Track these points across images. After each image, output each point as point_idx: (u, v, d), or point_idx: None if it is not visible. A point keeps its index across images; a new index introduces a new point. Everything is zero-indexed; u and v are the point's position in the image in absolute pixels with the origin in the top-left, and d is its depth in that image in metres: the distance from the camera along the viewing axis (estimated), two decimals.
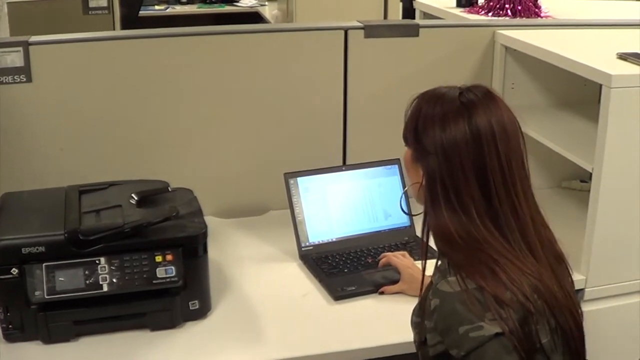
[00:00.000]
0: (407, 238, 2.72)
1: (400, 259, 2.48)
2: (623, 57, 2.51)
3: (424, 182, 1.84)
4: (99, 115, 2.84)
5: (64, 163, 2.84)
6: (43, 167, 2.83)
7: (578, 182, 3.20)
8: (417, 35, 3.00)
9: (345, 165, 2.93)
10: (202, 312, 2.28)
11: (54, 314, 2.15)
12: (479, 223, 1.76)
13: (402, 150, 2.75)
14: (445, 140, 1.78)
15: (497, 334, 1.66)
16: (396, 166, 2.76)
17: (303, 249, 2.63)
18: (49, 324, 2.15)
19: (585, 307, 2.16)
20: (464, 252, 1.76)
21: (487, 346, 1.66)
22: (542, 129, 2.81)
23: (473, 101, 1.81)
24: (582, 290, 2.47)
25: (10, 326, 2.17)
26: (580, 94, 3.10)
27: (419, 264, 2.07)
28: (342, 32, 2.93)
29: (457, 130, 1.77)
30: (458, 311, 1.69)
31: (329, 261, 2.58)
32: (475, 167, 1.77)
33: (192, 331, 2.24)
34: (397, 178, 2.77)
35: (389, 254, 2.53)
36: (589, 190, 2.48)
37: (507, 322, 1.66)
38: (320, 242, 2.65)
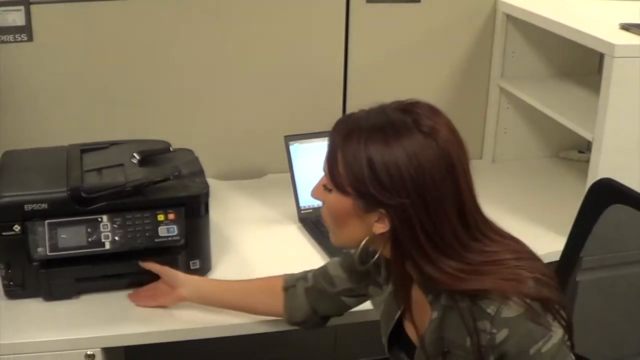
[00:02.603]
0: None
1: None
2: (625, 27, 2.51)
3: (391, 233, 1.61)
4: (99, 75, 2.84)
5: (64, 122, 2.84)
6: (43, 126, 2.84)
7: (576, 153, 3.21)
8: (418, 1, 2.99)
9: None
10: (202, 272, 2.29)
11: (56, 271, 2.16)
12: (469, 245, 1.61)
13: None
14: (417, 179, 1.55)
15: (563, 335, 1.58)
16: None
17: (302, 211, 2.64)
18: (51, 281, 2.16)
19: (582, 277, 2.19)
20: (475, 279, 1.58)
21: (557, 355, 1.56)
22: (541, 98, 2.82)
23: (430, 125, 1.59)
24: (579, 259, 2.47)
25: (11, 283, 2.18)
26: (581, 64, 3.11)
27: None
28: None
29: (429, 163, 1.56)
30: (532, 330, 1.54)
31: None
32: (452, 196, 1.59)
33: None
34: None
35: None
36: (586, 161, 2.49)
37: (562, 316, 1.59)
38: (320, 205, 2.64)
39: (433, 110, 1.65)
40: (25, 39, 2.73)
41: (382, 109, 1.64)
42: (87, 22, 2.77)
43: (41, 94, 2.82)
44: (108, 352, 2.14)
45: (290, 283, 2.09)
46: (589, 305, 2.20)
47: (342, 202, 1.63)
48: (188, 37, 2.86)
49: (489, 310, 1.54)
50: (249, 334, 2.15)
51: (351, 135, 1.60)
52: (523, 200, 2.85)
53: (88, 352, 2.08)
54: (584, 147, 3.18)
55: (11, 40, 2.73)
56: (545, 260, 2.29)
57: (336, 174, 1.63)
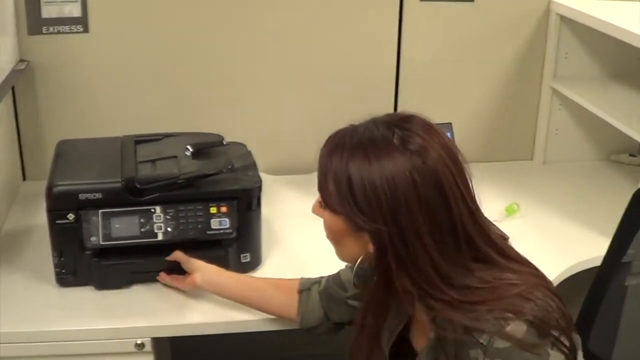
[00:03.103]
0: None
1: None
2: None
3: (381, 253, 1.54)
4: (153, 67, 2.87)
5: (118, 113, 2.87)
6: (97, 117, 2.87)
7: (627, 156, 3.18)
8: (472, 0, 2.98)
9: None
10: (252, 265, 2.30)
11: (108, 261, 2.18)
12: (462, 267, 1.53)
13: (453, 115, 2.79)
14: (392, 203, 1.48)
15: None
16: (449, 133, 2.74)
17: None
18: (103, 271, 2.18)
19: (630, 281, 2.18)
20: (468, 309, 1.49)
21: None
22: (594, 100, 2.80)
23: (419, 143, 1.51)
24: (629, 263, 2.46)
25: (63, 271, 2.21)
26: (635, 66, 3.08)
27: None
28: None
29: (408, 187, 1.47)
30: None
31: None
32: (442, 221, 1.49)
33: None
34: None
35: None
36: (638, 165, 2.46)
37: (563, 343, 1.48)
38: None
39: (427, 127, 1.55)
40: (81, 30, 2.77)
41: (369, 124, 1.58)
42: (142, 14, 2.80)
43: (96, 85, 2.86)
44: (157, 341, 2.16)
45: (306, 286, 2.08)
46: (637, 310, 2.19)
47: (334, 220, 1.60)
48: (245, 32, 2.88)
49: (481, 340, 1.45)
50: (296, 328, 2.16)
51: (335, 152, 1.57)
52: (572, 203, 2.83)
53: (138, 341, 2.10)
54: (636, 151, 3.15)
55: (67, 31, 2.76)
56: (590, 265, 2.29)
57: (325, 193, 1.60)
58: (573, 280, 2.36)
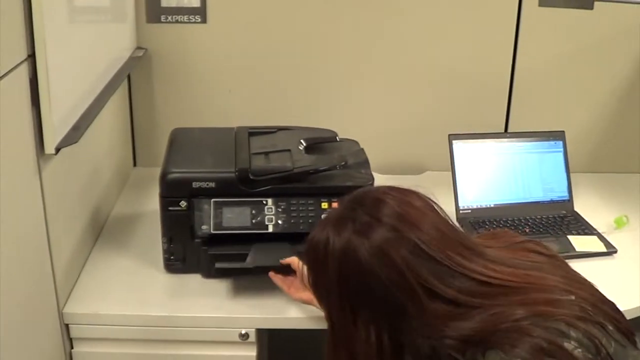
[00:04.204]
0: (564, 212, 2.67)
1: None
2: None
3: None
4: (269, 60, 2.88)
5: (231, 104, 2.90)
6: (209, 107, 2.89)
7: None
8: (591, 8, 2.92)
9: (508, 133, 2.91)
10: None
11: (217, 250, 2.19)
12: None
13: (565, 123, 2.75)
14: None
15: None
16: (561, 142, 2.72)
17: (461, 211, 2.61)
18: (211, 259, 2.18)
19: None
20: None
21: None
22: None
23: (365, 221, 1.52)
24: None
25: (172, 257, 2.24)
26: None
27: None
28: None
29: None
30: None
31: (486, 226, 2.55)
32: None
33: None
34: (561, 154, 2.72)
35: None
36: None
37: None
38: (478, 206, 2.63)
39: (375, 202, 1.56)
40: (200, 20, 2.79)
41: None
42: (260, 8, 2.81)
43: (210, 75, 2.88)
44: (261, 333, 2.17)
45: None
46: None
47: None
48: (361, 32, 2.87)
49: None
50: None
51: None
52: None
53: (242, 332, 2.11)
54: None
55: (185, 21, 2.79)
56: None
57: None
58: None
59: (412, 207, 1.54)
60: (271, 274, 2.16)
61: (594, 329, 1.46)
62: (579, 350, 1.42)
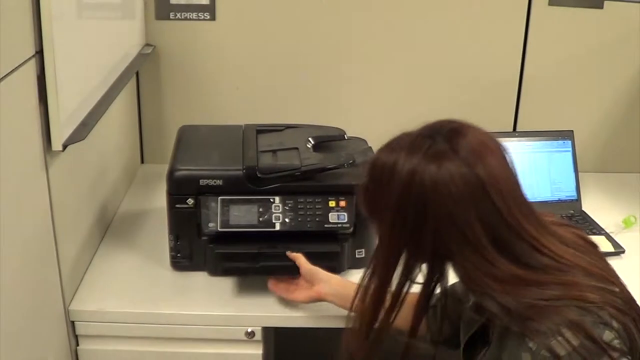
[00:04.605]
0: (572, 211, 2.66)
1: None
2: None
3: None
4: (276, 59, 2.88)
5: (239, 102, 2.89)
6: (217, 104, 2.89)
7: None
8: (601, 7, 2.91)
9: (517, 132, 2.90)
10: (366, 262, 2.27)
11: (224, 248, 2.17)
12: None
13: (574, 123, 2.74)
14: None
15: None
16: (569, 141, 2.71)
17: None
18: (218, 257, 2.17)
19: None
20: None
21: None
22: None
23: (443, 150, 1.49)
24: None
25: (178, 255, 2.23)
26: None
27: None
28: None
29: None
30: None
31: None
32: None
33: (354, 279, 2.24)
34: (569, 154, 2.71)
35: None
36: None
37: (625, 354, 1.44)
38: None
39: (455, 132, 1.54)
40: (208, 17, 2.79)
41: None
42: (269, 6, 2.81)
43: (218, 73, 2.88)
44: (267, 331, 2.17)
45: (433, 302, 1.83)
46: None
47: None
48: (370, 32, 2.87)
49: (530, 344, 1.43)
50: None
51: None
52: None
53: (248, 330, 2.11)
54: None
55: (194, 18, 2.79)
56: None
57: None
58: None
59: (489, 149, 1.52)
60: (271, 285, 2.15)
61: (631, 324, 1.47)
62: (617, 341, 1.43)
